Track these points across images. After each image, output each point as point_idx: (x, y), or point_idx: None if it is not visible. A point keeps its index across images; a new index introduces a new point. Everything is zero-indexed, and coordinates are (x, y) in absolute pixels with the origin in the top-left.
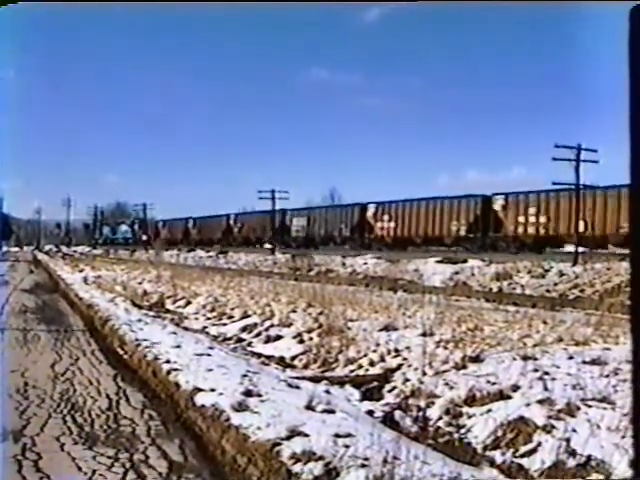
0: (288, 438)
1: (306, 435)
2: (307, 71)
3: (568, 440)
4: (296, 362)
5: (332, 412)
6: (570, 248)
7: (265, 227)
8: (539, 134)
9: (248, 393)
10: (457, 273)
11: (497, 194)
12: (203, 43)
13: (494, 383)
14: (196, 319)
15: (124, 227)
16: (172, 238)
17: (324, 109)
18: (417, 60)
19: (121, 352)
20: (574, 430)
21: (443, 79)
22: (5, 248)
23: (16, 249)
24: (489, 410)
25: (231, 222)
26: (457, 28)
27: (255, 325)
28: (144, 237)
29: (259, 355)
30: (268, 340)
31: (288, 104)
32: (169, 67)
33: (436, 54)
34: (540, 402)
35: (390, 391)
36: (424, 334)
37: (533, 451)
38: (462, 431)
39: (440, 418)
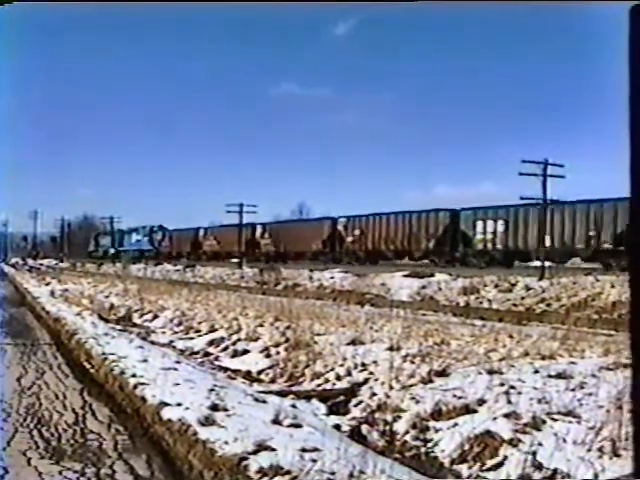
0: (255, 452)
1: (273, 449)
2: (277, 86)
3: (534, 454)
4: (263, 376)
5: (299, 426)
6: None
7: (411, 235)
8: (509, 149)
9: (215, 407)
10: (424, 287)
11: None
12: (173, 56)
13: (460, 397)
14: (163, 333)
15: (136, 236)
16: (222, 249)
17: (294, 124)
18: (387, 75)
19: (88, 366)
20: (540, 444)
21: (413, 94)
22: None
23: None
24: (455, 424)
25: (340, 228)
26: (426, 43)
27: (222, 339)
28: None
29: (226, 369)
30: (235, 354)
31: (257, 119)
32: (138, 79)
33: (406, 69)
34: (506, 416)
35: (357, 405)
36: (391, 348)
37: (499, 465)
38: (429, 445)
39: (407, 432)
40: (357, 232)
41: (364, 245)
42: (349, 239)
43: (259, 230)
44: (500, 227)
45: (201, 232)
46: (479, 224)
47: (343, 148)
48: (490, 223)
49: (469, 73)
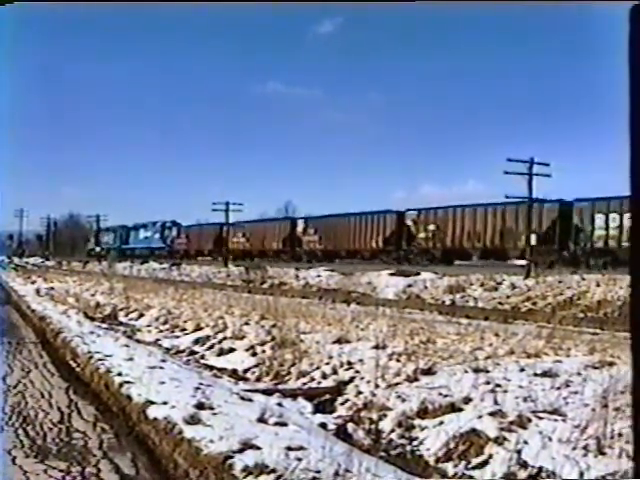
0: (240, 451)
1: (258, 448)
2: (263, 85)
3: (519, 452)
4: (249, 375)
5: (284, 425)
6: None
7: (505, 230)
8: (495, 148)
9: (200, 406)
10: (410, 286)
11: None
12: (163, 56)
13: (446, 395)
14: (149, 331)
15: (145, 233)
16: (253, 247)
17: (281, 123)
18: (373, 74)
19: (73, 365)
20: (525, 442)
21: (399, 94)
22: None
23: None
24: (441, 422)
25: (409, 222)
26: (413, 42)
27: (208, 338)
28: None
29: (212, 368)
30: (221, 353)
31: (244, 118)
32: (128, 79)
33: (393, 69)
34: (492, 414)
35: (343, 404)
36: (377, 347)
37: (485, 463)
38: (414, 443)
39: (392, 430)
40: (432, 227)
41: (441, 242)
42: (421, 235)
43: (301, 225)
44: (628, 221)
45: (228, 229)
46: (599, 217)
47: (329, 148)
48: (614, 216)
49: (456, 73)
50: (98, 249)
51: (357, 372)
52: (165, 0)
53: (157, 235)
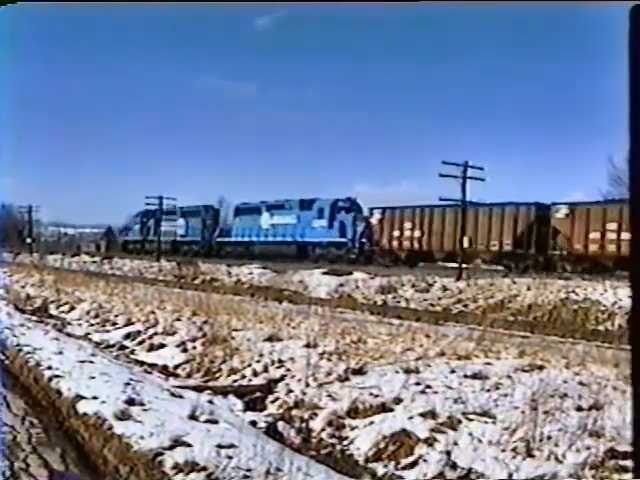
0: (171, 448)
1: (189, 445)
2: (196, 78)
3: (449, 453)
4: (179, 371)
5: (215, 422)
6: None
7: None
8: (430, 151)
9: (131, 402)
10: (342, 285)
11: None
12: (107, 54)
13: (377, 396)
14: (79, 325)
15: (273, 218)
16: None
17: (213, 117)
18: (311, 71)
19: (2, 357)
20: (455, 443)
21: (337, 93)
22: None
23: None
24: (372, 422)
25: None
26: (354, 40)
27: (139, 333)
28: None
29: (142, 363)
30: (152, 348)
31: (177, 111)
32: (73, 77)
33: (331, 66)
34: (422, 415)
35: (273, 402)
36: (308, 345)
37: (415, 463)
38: (345, 443)
39: (323, 430)
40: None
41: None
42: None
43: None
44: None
45: (562, 211)
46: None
47: (262, 143)
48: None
49: (394, 73)
50: (29, 240)
51: (288, 370)
52: (103, 0)
53: (321, 222)
